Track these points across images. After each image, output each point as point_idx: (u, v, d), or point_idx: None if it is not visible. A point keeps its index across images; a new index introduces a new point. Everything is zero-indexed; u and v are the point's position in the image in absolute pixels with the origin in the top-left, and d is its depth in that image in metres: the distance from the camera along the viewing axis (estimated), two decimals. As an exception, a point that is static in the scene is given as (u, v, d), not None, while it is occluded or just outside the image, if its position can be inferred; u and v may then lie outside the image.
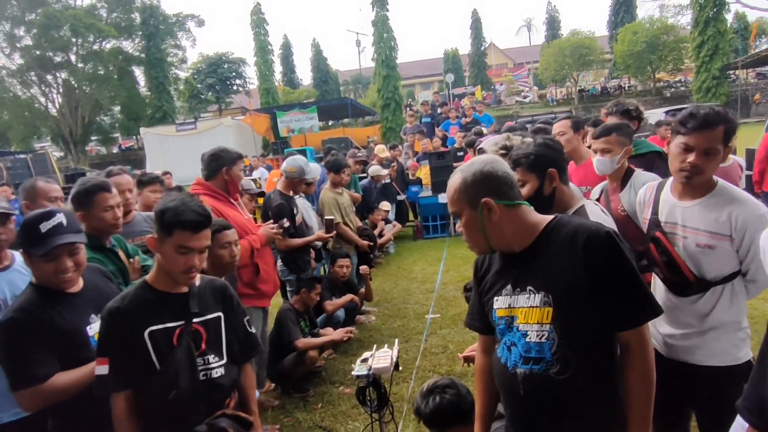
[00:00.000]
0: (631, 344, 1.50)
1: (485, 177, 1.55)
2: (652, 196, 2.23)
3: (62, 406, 1.95)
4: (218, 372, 1.97)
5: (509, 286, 1.59)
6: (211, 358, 1.96)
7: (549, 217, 1.60)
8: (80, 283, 2.09)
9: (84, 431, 2.01)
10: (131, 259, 2.80)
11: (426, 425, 2.18)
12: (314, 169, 4.90)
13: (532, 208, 1.62)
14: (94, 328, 2.02)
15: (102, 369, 1.82)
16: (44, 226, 1.91)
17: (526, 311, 1.53)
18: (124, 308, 1.86)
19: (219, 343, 2.00)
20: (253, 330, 2.22)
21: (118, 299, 1.90)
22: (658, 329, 2.15)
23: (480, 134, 6.35)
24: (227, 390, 2.03)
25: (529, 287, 1.53)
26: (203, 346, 1.94)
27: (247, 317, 2.20)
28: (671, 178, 2.16)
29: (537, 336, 1.50)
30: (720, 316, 1.99)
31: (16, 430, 2.14)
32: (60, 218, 1.95)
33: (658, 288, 2.20)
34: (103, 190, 2.53)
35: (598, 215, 2.10)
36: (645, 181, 2.50)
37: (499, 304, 1.61)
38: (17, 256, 2.31)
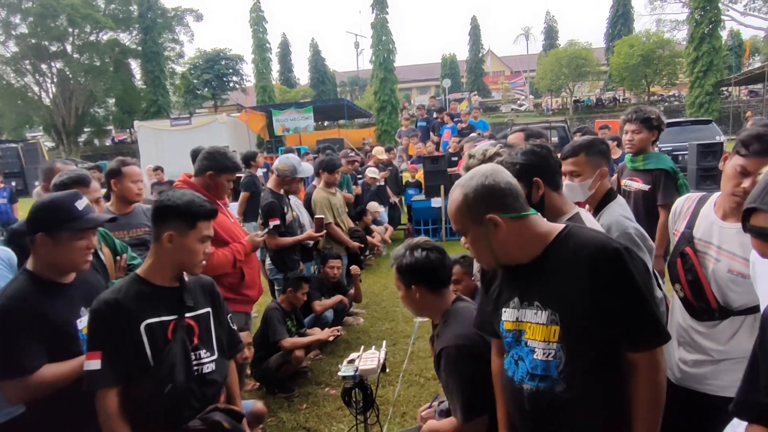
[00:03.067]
0: (638, 365, 1.44)
1: (488, 191, 1.47)
2: (690, 208, 2.04)
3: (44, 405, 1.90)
4: (209, 367, 1.97)
5: (516, 299, 1.53)
6: (203, 353, 1.95)
7: (560, 227, 1.54)
8: (72, 275, 2.05)
9: (60, 424, 1.95)
10: (118, 257, 2.74)
11: (397, 273, 2.13)
12: (306, 169, 4.87)
13: (539, 216, 1.56)
14: (83, 322, 1.97)
15: (93, 364, 1.76)
16: (80, 204, 1.95)
17: (533, 327, 1.48)
18: (121, 300, 1.82)
19: (210, 339, 2.01)
20: (235, 327, 2.23)
21: (114, 291, 1.86)
22: (673, 352, 2.03)
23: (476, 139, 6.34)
24: (218, 385, 2.02)
25: (536, 302, 1.48)
26: (196, 340, 1.94)
27: (230, 314, 2.21)
28: (717, 193, 1.98)
29: (543, 354, 1.45)
30: (738, 346, 1.82)
31: (10, 430, 2.08)
32: (86, 200, 2.02)
33: (675, 307, 2.07)
34: (78, 184, 2.46)
35: (593, 223, 2.09)
36: (610, 222, 2.23)
37: (507, 316, 1.56)
38: None
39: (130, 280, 1.92)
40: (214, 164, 3.21)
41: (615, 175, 3.90)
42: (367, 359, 2.53)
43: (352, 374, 2.45)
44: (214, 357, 1.99)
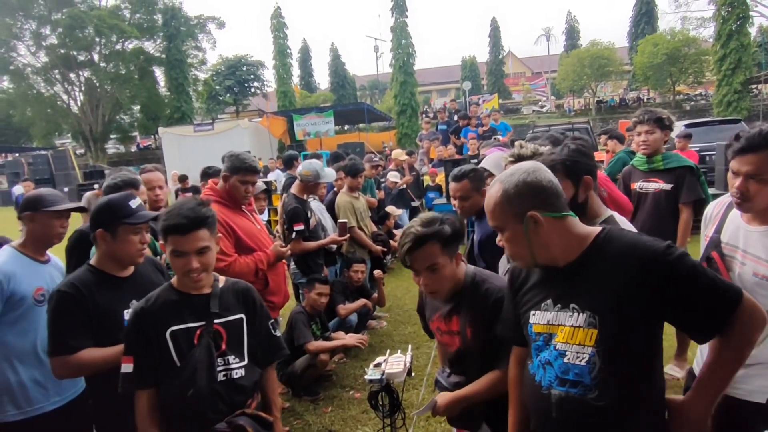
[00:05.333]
0: (731, 334, 1.37)
1: (530, 188, 1.44)
2: (720, 212, 2.05)
3: (104, 386, 2.10)
4: (239, 373, 1.99)
5: (549, 301, 1.50)
6: (231, 358, 1.98)
7: (597, 229, 1.50)
8: (130, 269, 2.26)
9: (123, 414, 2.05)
10: (158, 257, 2.84)
11: (443, 246, 1.92)
12: (329, 174, 4.92)
13: (577, 218, 1.52)
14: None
15: (127, 367, 1.90)
16: (133, 203, 2.18)
17: (567, 330, 1.44)
18: (147, 309, 1.94)
19: (240, 345, 2.03)
20: (278, 333, 2.23)
21: (145, 300, 1.98)
22: (703, 355, 1.99)
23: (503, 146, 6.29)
24: (248, 391, 2.04)
25: (572, 305, 1.44)
26: (223, 346, 1.97)
27: (272, 320, 2.21)
28: None
29: (577, 358, 1.41)
30: (767, 351, 1.78)
31: (58, 417, 2.34)
32: (140, 200, 2.25)
33: None
34: (130, 186, 2.69)
35: (627, 225, 2.07)
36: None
37: (537, 319, 1.52)
38: (50, 254, 2.52)
39: (163, 288, 2.03)
40: (227, 165, 3.23)
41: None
42: (394, 363, 2.53)
43: (379, 378, 2.45)
44: (244, 363, 2.01)
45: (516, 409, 1.73)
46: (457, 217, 2.00)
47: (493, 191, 1.49)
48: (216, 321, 1.97)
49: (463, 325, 1.97)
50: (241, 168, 3.20)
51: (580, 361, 1.40)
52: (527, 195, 1.44)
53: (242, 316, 2.06)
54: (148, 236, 2.26)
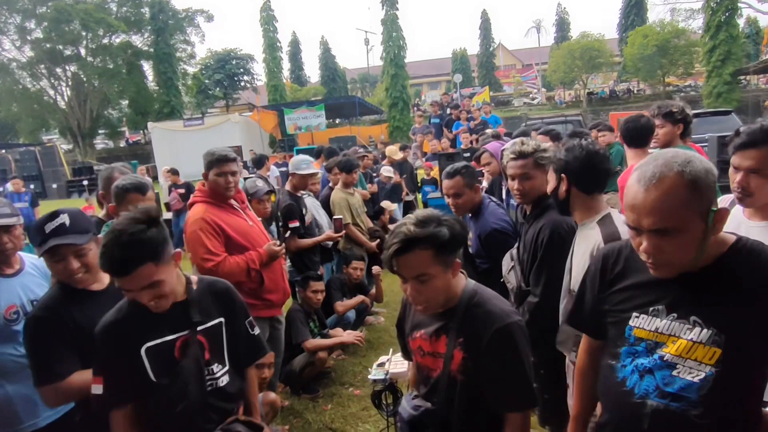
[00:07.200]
0: None
1: (713, 179, 1.23)
2: None
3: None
4: (224, 380, 1.92)
5: (662, 307, 1.35)
6: (215, 367, 1.90)
7: (731, 237, 1.35)
8: (105, 281, 2.09)
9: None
10: None
11: (437, 253, 1.58)
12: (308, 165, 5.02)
13: None
14: None
15: (97, 388, 1.77)
16: (48, 227, 1.93)
17: (683, 344, 1.29)
18: (119, 322, 1.79)
19: (221, 351, 1.94)
20: (257, 332, 2.11)
21: (114, 312, 1.81)
22: None
23: (497, 137, 6.27)
24: (236, 398, 1.99)
25: (693, 318, 1.29)
26: (207, 355, 1.88)
27: (250, 318, 2.10)
28: None
29: (689, 374, 1.28)
30: None
31: (61, 427, 2.23)
32: (63, 219, 1.95)
33: None
34: (137, 191, 2.61)
35: (623, 223, 2.06)
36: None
37: (641, 323, 1.37)
38: (26, 258, 2.34)
39: None
40: (204, 165, 3.14)
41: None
42: (398, 363, 2.52)
43: (383, 377, 2.44)
44: (227, 368, 1.94)
45: (580, 398, 1.66)
46: (457, 218, 1.70)
47: (671, 183, 1.22)
48: (199, 329, 1.86)
49: (451, 348, 1.67)
50: (212, 161, 3.09)
51: (693, 377, 1.29)
52: (712, 187, 1.24)
53: (221, 319, 1.95)
54: (90, 258, 1.99)
